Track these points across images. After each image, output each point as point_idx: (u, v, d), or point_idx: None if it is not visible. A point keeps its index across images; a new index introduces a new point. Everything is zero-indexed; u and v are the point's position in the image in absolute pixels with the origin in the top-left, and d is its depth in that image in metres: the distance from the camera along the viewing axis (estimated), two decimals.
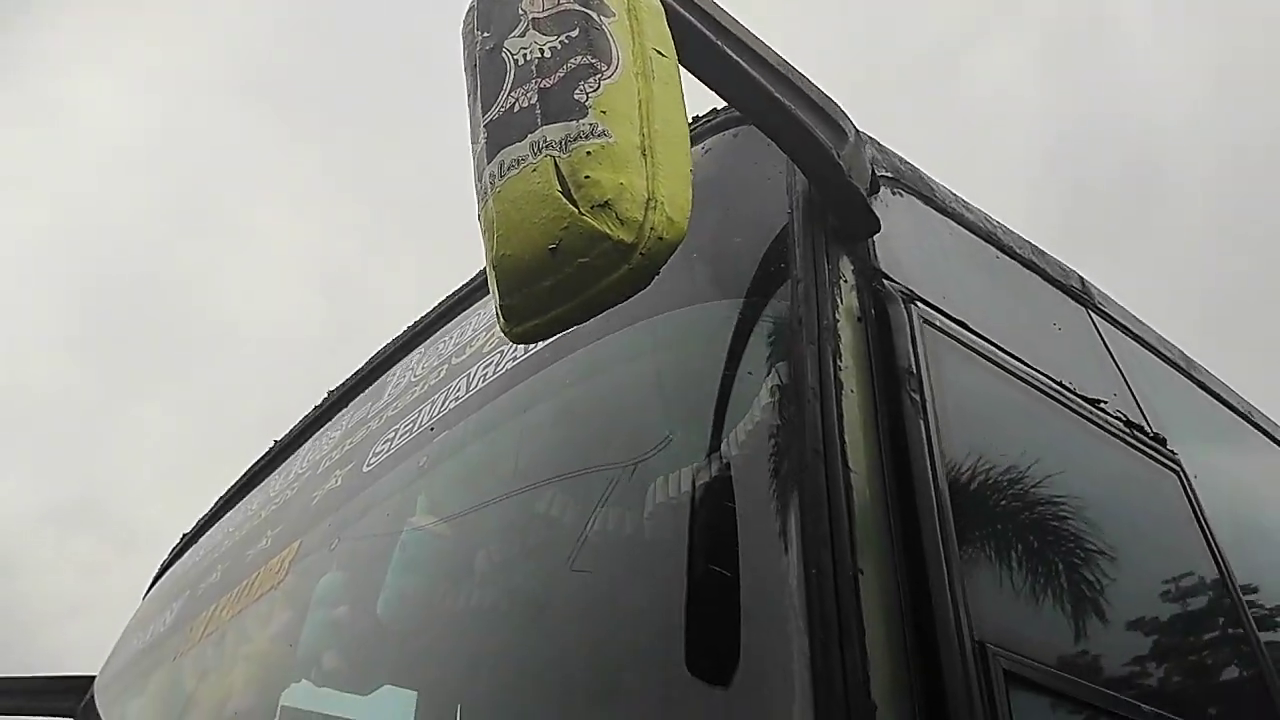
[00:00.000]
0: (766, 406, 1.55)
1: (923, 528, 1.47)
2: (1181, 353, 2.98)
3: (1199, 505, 2.18)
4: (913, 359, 1.68)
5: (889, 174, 2.12)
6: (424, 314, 2.69)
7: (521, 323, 1.19)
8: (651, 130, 1.21)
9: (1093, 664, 1.62)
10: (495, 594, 1.88)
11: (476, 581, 1.90)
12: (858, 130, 1.92)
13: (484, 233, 1.21)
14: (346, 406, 2.77)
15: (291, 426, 3.02)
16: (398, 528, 2.04)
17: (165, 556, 3.49)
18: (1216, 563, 2.08)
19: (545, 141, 1.16)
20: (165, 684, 2.67)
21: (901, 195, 2.17)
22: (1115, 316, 2.71)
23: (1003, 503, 1.73)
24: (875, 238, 1.90)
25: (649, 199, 1.14)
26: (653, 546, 1.54)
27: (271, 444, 3.10)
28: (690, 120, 1.38)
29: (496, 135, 1.21)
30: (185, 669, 2.56)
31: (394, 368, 2.64)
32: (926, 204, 2.25)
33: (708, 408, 1.60)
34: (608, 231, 1.12)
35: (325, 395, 2.92)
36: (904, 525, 1.47)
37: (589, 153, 1.14)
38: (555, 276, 1.14)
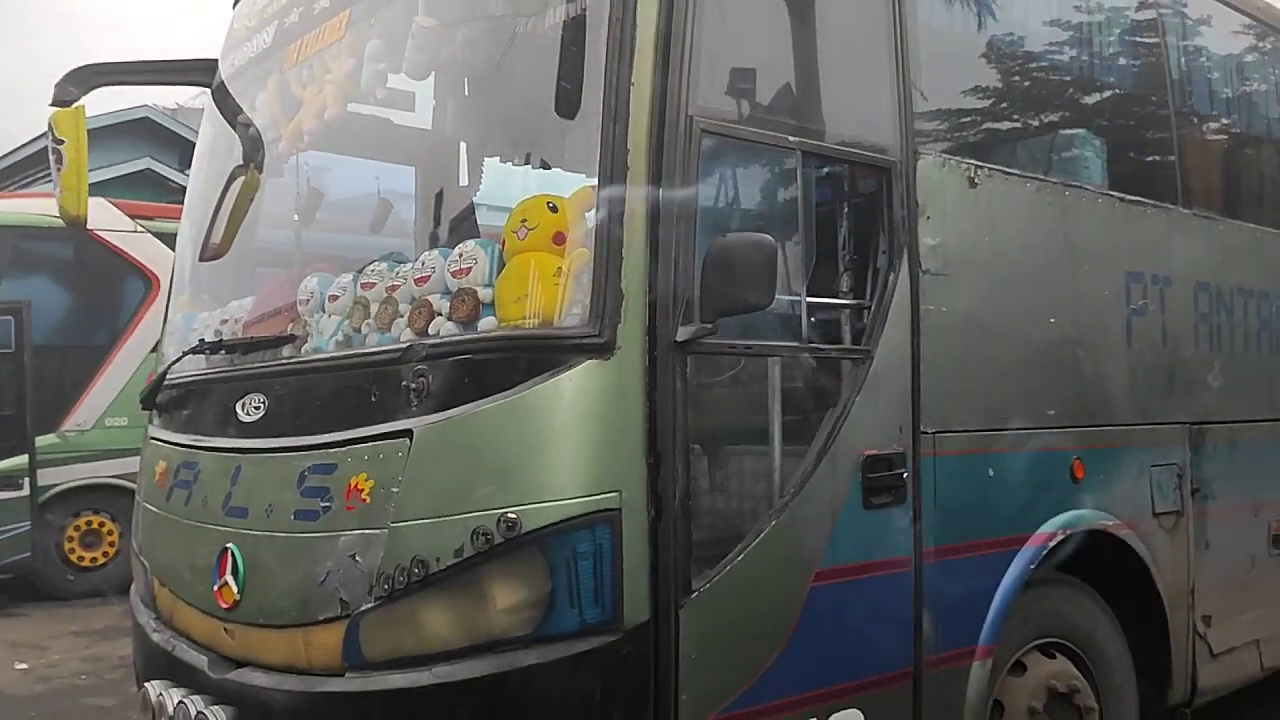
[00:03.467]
0: None
1: (671, 48, 2.81)
2: None
3: None
4: None
5: None
6: None
7: None
8: None
9: (777, 120, 3.08)
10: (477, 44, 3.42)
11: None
12: None
13: None
14: None
15: None
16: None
17: None
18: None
19: None
20: (276, 87, 4.14)
21: None
22: None
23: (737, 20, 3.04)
24: None
25: None
26: (540, 54, 2.96)
27: None
28: None
29: None
30: (290, 81, 4.02)
31: None
32: None
33: None
34: None
35: None
36: (664, 53, 2.81)
37: None
38: None
